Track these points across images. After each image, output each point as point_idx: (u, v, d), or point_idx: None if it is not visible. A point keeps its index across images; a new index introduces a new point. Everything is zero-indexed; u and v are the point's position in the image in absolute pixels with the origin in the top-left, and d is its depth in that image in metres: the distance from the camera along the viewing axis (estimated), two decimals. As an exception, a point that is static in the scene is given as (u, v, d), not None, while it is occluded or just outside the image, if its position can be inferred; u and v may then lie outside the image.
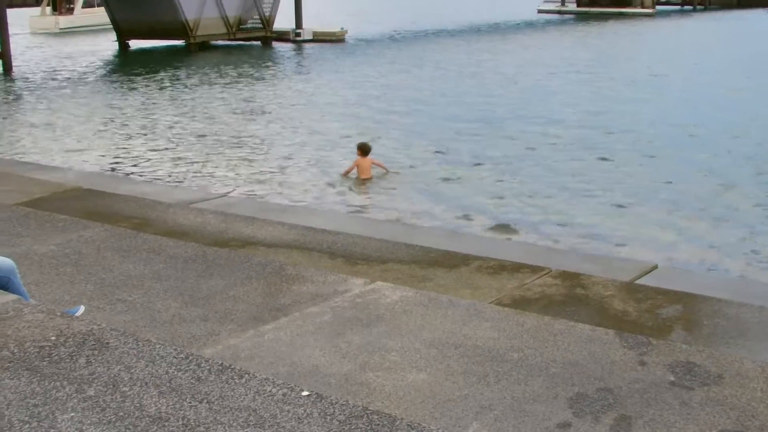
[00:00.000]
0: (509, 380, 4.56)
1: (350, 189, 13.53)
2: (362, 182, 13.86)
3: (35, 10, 61.98)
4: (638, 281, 6.43)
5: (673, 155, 15.77)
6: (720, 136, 17.62)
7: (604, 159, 15.43)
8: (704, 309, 5.74)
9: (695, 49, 40.83)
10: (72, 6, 59.45)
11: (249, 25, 45.22)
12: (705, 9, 77.92)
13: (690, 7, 79.38)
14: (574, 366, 4.72)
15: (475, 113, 20.94)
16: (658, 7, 74.44)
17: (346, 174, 14.25)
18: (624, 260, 8.22)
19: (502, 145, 16.79)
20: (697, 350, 4.93)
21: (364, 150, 14.23)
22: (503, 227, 11.02)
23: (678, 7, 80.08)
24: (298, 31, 46.24)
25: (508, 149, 16.41)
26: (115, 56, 40.52)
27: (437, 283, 6.30)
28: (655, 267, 6.99)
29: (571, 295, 6.01)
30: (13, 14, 42.60)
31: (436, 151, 16.27)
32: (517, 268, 6.63)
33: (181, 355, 4.17)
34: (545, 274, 6.46)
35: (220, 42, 44.59)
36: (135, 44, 44.08)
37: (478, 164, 15.07)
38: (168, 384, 3.83)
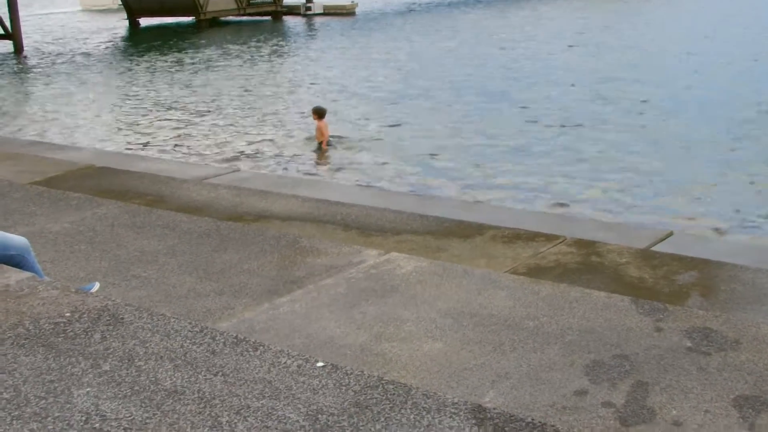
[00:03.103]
0: (525, 348, 4.54)
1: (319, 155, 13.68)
2: (323, 150, 13.98)
3: None
4: (654, 248, 6.40)
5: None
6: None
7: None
8: (720, 275, 5.70)
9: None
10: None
11: (259, 0, 45.01)
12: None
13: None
14: (590, 333, 4.70)
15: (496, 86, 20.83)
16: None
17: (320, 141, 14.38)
18: (639, 227, 8.19)
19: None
20: (713, 316, 4.90)
21: (320, 114, 14.36)
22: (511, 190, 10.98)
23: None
24: (308, 5, 46.04)
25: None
26: (126, 34, 40.46)
27: (452, 253, 6.28)
28: (671, 234, 6.95)
29: (586, 263, 5.98)
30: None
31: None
32: (531, 236, 6.60)
33: (195, 329, 4.17)
34: (560, 243, 6.43)
35: (231, 18, 44.42)
36: (145, 22, 44.01)
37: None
38: (183, 357, 3.83)
